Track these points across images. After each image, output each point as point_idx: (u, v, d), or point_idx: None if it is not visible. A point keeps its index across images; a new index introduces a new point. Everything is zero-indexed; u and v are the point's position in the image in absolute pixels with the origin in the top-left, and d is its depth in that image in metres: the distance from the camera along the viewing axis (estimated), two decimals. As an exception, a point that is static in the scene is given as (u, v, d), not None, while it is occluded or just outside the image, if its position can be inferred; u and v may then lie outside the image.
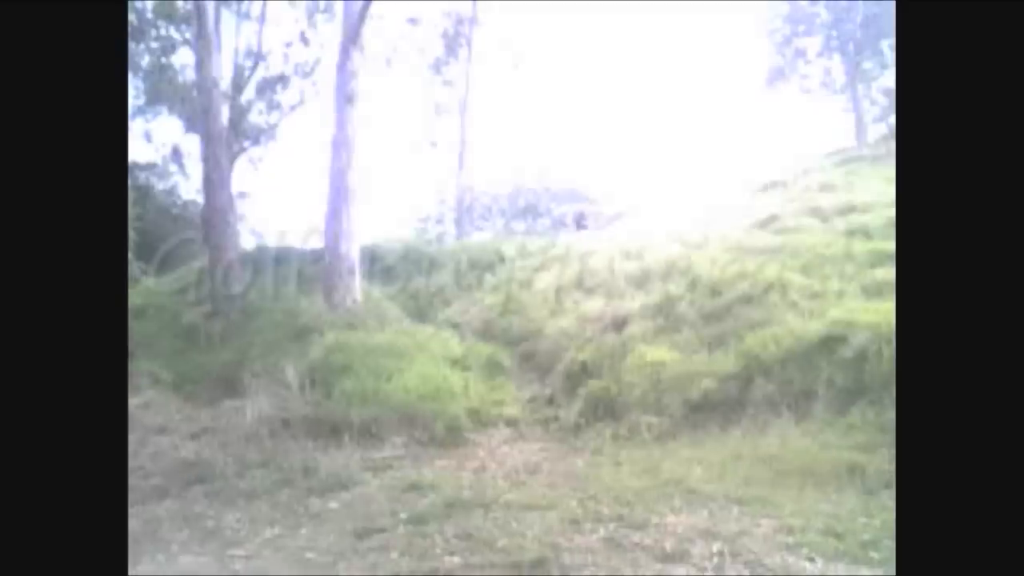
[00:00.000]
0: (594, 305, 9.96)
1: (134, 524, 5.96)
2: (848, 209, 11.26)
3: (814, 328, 7.53)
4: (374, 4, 12.48)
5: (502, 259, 13.63)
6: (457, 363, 9.18)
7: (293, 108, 20.73)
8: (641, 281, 10.40)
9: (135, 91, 19.42)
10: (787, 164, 17.48)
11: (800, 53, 25.30)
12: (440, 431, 7.44)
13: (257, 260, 13.46)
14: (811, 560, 4.63)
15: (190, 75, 17.46)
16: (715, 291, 9.18)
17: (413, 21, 22.61)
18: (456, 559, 4.98)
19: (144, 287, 10.94)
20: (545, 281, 11.75)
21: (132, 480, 6.85)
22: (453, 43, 23.14)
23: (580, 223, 17.89)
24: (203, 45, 12.96)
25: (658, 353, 8.11)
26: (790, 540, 4.88)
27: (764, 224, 12.37)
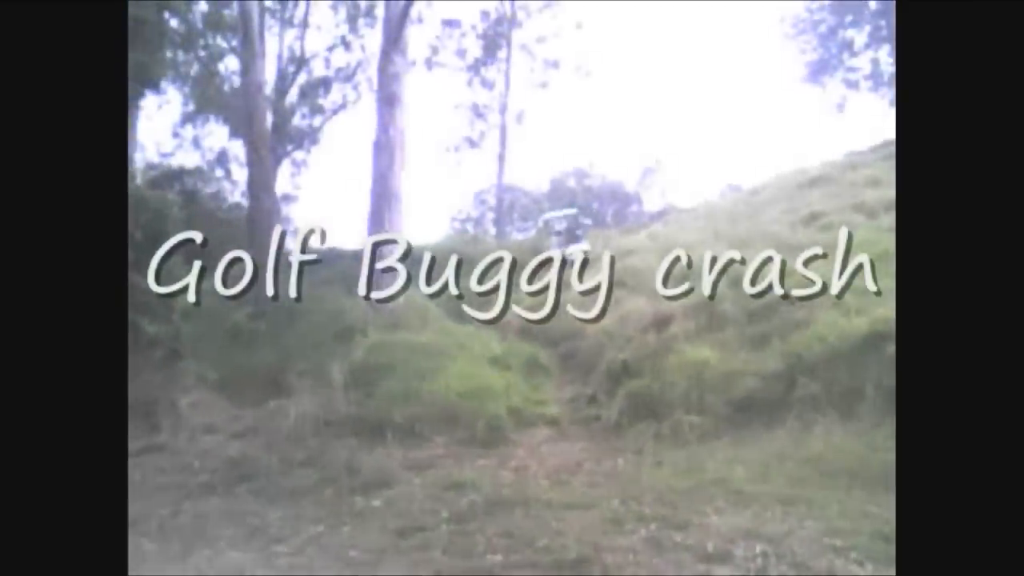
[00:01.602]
0: (636, 304, 9.86)
1: (183, 520, 6.15)
2: (895, 204, 10.97)
3: (859, 326, 7.35)
4: (413, 7, 12.57)
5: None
6: (498, 362, 9.18)
7: (335, 111, 21.07)
8: (683, 280, 10.26)
9: (183, 99, 19.91)
10: (833, 159, 17.10)
11: (846, 45, 24.71)
12: (481, 430, 7.46)
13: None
14: (859, 564, 4.55)
15: (236, 82, 17.83)
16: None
17: (452, 23, 22.73)
18: (498, 558, 5.01)
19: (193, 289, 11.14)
20: (586, 281, 11.68)
21: (180, 477, 7.05)
22: (492, 44, 23.18)
23: (572, 234, 15.50)
24: (248, 51, 13.21)
25: (700, 352, 8.02)
26: (838, 543, 4.79)
27: (809, 221, 12.13)
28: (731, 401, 7.30)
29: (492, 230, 23.07)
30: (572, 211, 17.47)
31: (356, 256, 12.53)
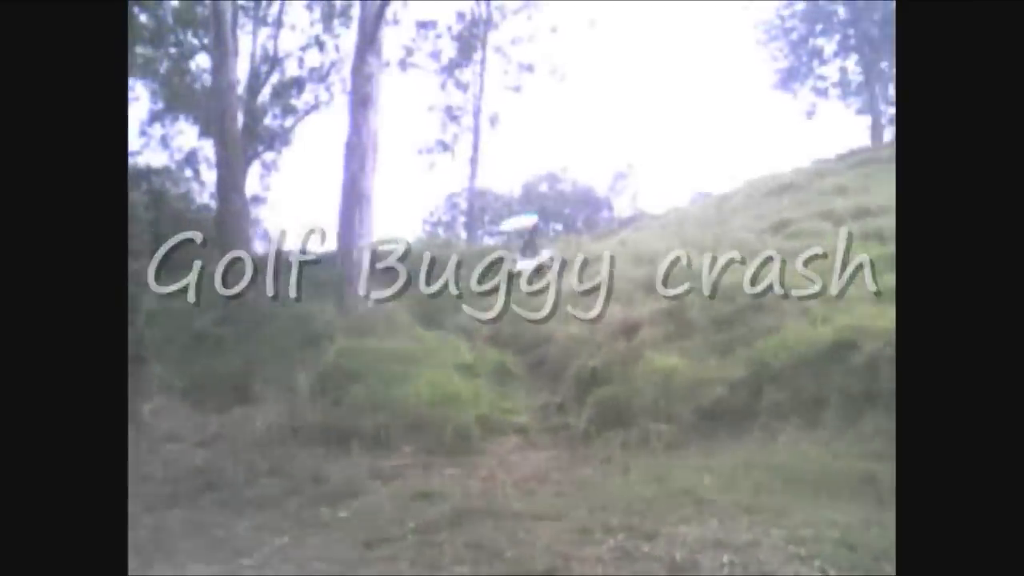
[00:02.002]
0: (606, 311, 9.89)
1: (143, 533, 5.99)
2: (862, 213, 11.14)
3: (825, 334, 7.46)
4: (389, 8, 12.50)
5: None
6: (467, 370, 9.17)
7: (307, 112, 20.88)
8: (652, 287, 10.32)
9: (152, 96, 19.58)
10: (800, 166, 17.34)
11: (816, 53, 25.10)
12: (450, 439, 7.43)
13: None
14: (823, 572, 4.58)
15: (207, 80, 17.58)
16: (727, 297, 9.09)
17: (427, 25, 22.67)
18: (465, 569, 4.97)
19: (158, 291, 10.97)
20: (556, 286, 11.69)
21: (142, 487, 6.87)
22: (467, 46, 23.16)
23: (532, 243, 14.15)
24: (220, 50, 13.05)
25: (668, 360, 8.07)
26: (802, 551, 4.82)
27: (777, 228, 12.28)
28: (698, 409, 7.35)
29: (463, 234, 23.04)
30: (531, 218, 16.14)
31: (326, 259, 12.51)
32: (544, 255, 13.32)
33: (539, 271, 11.91)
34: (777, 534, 5.12)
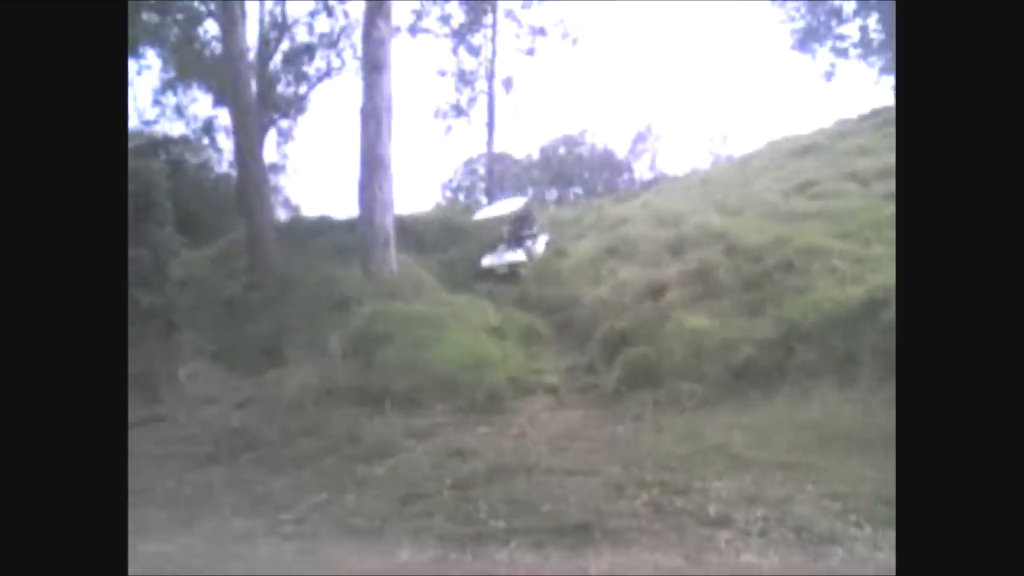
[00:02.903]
0: (631, 273, 9.90)
1: (188, 490, 6.17)
2: (887, 173, 10.97)
3: (855, 294, 7.41)
4: (400, -29, 12.36)
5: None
6: (495, 332, 9.22)
7: (320, 78, 20.76)
8: (677, 248, 10.30)
9: (163, 64, 19.52)
10: (824, 127, 17.09)
11: (834, 12, 24.50)
12: (481, 399, 7.51)
13: (293, 231, 13.58)
14: (859, 526, 4.61)
15: (217, 48, 17.49)
16: (754, 257, 9.07)
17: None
18: (501, 523, 5.05)
19: (185, 259, 11.10)
20: (580, 250, 11.70)
21: (183, 447, 7.07)
22: (477, 9, 22.83)
23: (520, 234, 12.52)
24: (227, 16, 12.97)
25: (697, 320, 8.06)
26: (837, 506, 4.86)
27: (801, 189, 12.17)
28: (729, 368, 7.35)
29: (483, 199, 22.98)
30: (519, 201, 13.97)
31: (348, 225, 12.54)
32: (534, 244, 12.30)
33: (514, 268, 11.48)
34: (811, 489, 5.15)
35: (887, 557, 4.18)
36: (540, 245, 12.33)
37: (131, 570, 4.55)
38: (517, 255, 11.81)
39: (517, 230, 12.54)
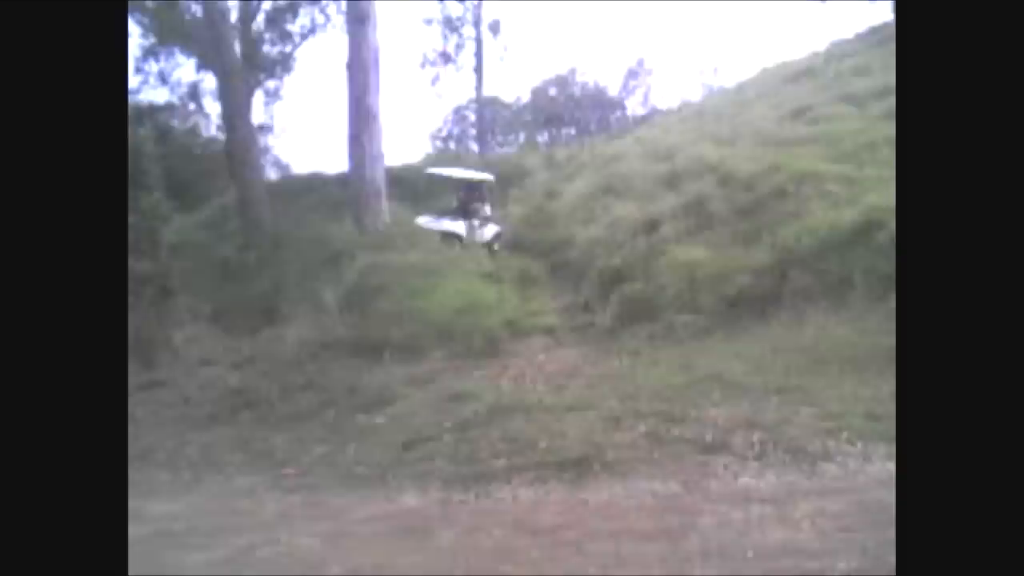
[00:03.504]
0: (625, 209, 9.83)
1: (190, 450, 6.25)
2: (885, 92, 10.76)
3: (849, 216, 7.36)
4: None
5: (527, 172, 13.46)
6: (490, 277, 9.21)
7: (305, 36, 20.31)
8: (671, 182, 10.21)
9: (143, 30, 19.11)
10: (817, 50, 16.75)
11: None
12: (478, 343, 7.53)
13: (285, 190, 13.50)
14: (851, 443, 4.66)
15: (198, 11, 17.08)
16: (747, 186, 8.98)
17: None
18: (502, 462, 5.11)
19: (177, 225, 11.07)
20: (573, 190, 11.61)
21: (185, 409, 7.14)
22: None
23: (468, 207, 11.80)
24: (205, -25, 12.68)
25: (692, 252, 8.03)
26: (830, 426, 4.91)
27: (795, 115, 12.00)
28: (724, 298, 7.35)
29: (474, 146, 22.73)
30: (481, 176, 12.84)
31: (339, 181, 12.45)
32: (480, 226, 11.45)
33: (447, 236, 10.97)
34: (806, 412, 5.20)
35: (877, 469, 4.23)
36: (488, 231, 11.50)
37: (141, 530, 4.68)
38: (455, 226, 11.39)
39: (466, 203, 11.98)
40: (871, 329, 6.02)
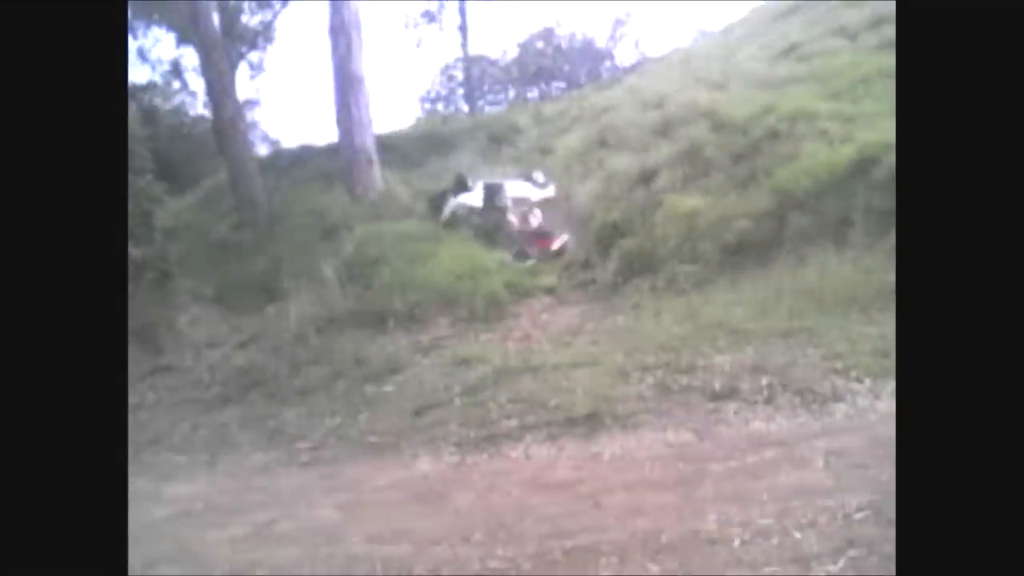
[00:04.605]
0: (620, 162, 9.72)
1: (203, 432, 6.31)
2: (878, 21, 10.52)
3: (846, 154, 7.27)
4: None
5: (518, 130, 13.29)
6: (487, 240, 9.17)
7: (284, 4, 19.93)
8: (664, 130, 10.08)
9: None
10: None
11: None
12: (481, 307, 7.52)
13: (275, 165, 13.37)
14: (859, 381, 4.69)
15: (171, -18, 16.70)
16: (741, 130, 8.86)
17: None
18: (512, 422, 5.16)
19: (171, 207, 10.99)
20: (566, 145, 11.48)
21: (194, 392, 7.19)
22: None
23: (461, 182, 10.21)
24: (179, -52, 12.37)
25: (689, 201, 7.96)
26: (838, 365, 4.93)
27: (787, 53, 11.78)
28: (724, 246, 7.30)
29: (464, 106, 22.43)
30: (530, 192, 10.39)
31: (329, 151, 12.31)
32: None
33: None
34: (813, 353, 5.22)
35: (887, 405, 4.25)
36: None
37: (161, 511, 4.75)
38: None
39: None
40: (873, 267, 6.00)
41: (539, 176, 10.51)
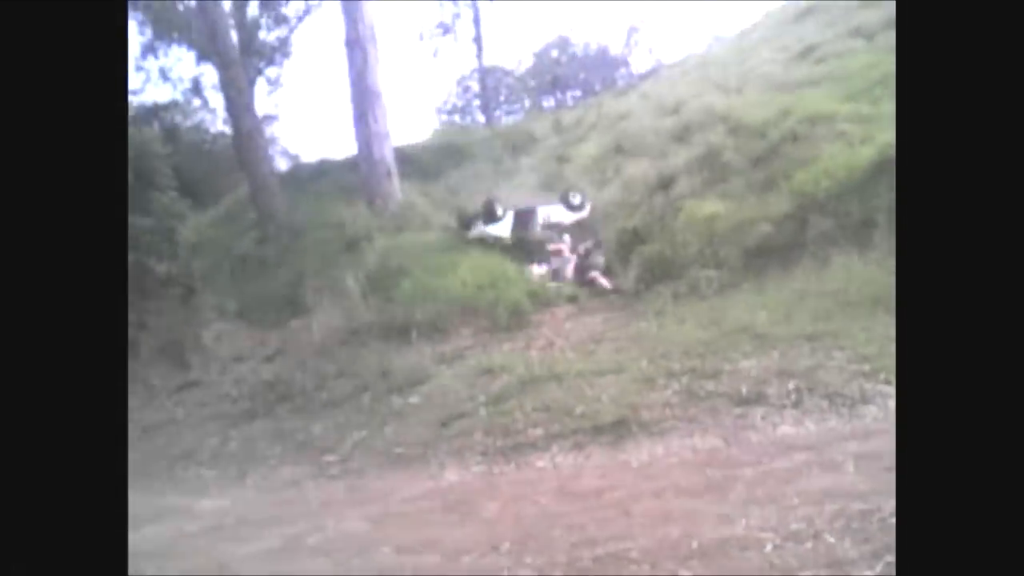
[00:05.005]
0: (638, 168, 9.72)
1: (232, 445, 6.37)
2: (894, 22, 10.50)
3: (867, 155, 7.21)
4: None
5: (535, 138, 13.33)
6: (509, 250, 9.17)
7: (300, 19, 20.17)
8: (682, 136, 10.07)
9: (139, 26, 19.04)
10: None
11: None
12: (503, 316, 7.53)
13: (296, 179, 13.50)
14: (888, 383, 4.63)
15: (191, 3, 16.98)
16: (759, 134, 8.83)
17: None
18: (539, 431, 5.16)
19: (193, 223, 11.14)
20: (584, 153, 11.49)
21: (222, 407, 7.26)
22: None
23: (490, 210, 9.42)
24: (197, -33, 12.57)
25: (709, 206, 7.94)
26: (866, 368, 4.87)
27: (804, 55, 11.74)
28: (746, 250, 7.27)
29: (481, 117, 22.53)
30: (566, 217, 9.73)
31: (348, 164, 12.41)
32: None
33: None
34: (839, 356, 5.16)
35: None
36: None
37: (192, 526, 4.79)
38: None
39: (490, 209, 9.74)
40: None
41: (575, 197, 9.72)
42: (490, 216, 9.42)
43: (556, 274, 8.60)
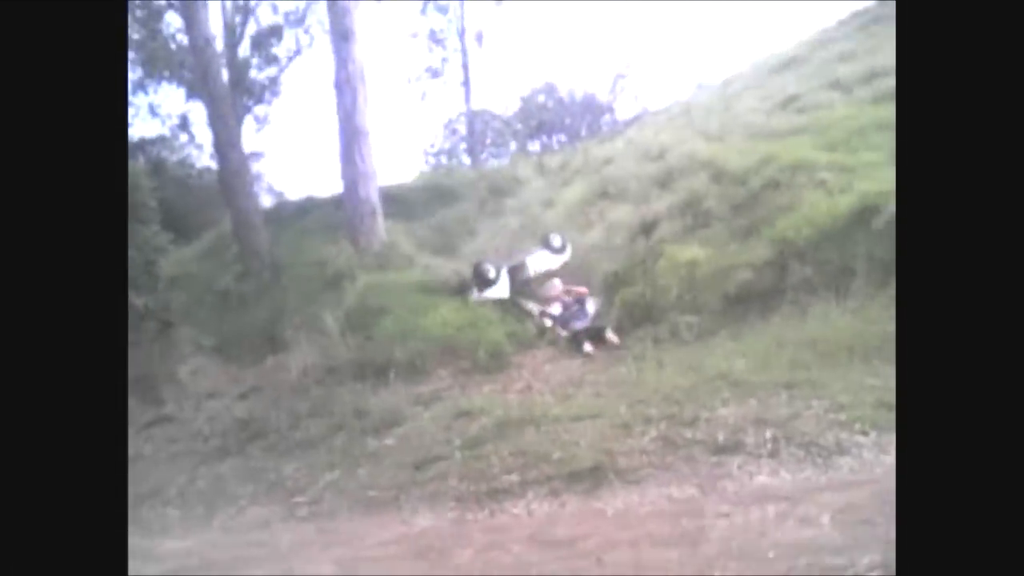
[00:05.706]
0: (620, 213, 9.80)
1: (201, 484, 6.23)
2: (871, 76, 10.77)
3: (846, 203, 7.32)
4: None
5: (520, 181, 13.42)
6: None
7: (291, 59, 20.40)
8: (665, 181, 10.18)
9: (130, 63, 19.16)
10: (802, 39, 16.73)
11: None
12: (483, 358, 7.48)
13: (280, 215, 13.49)
14: (864, 434, 4.63)
15: (183, 40, 17.13)
16: (740, 181, 8.95)
17: (396, -52, 21.78)
18: (514, 477, 5.09)
19: (175, 257, 11.06)
20: (568, 196, 11.57)
21: (193, 444, 7.12)
22: (441, -35, 22.32)
23: (482, 275, 8.96)
24: (189, 6, 12.67)
25: (690, 252, 7.99)
26: (842, 417, 4.87)
27: (784, 105, 11.98)
28: (725, 296, 7.31)
29: (467, 159, 22.73)
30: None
31: (334, 202, 12.41)
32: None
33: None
34: (817, 405, 5.15)
35: (893, 459, 4.18)
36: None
37: (155, 568, 4.65)
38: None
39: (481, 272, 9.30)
40: (875, 317, 5.98)
41: (555, 239, 9.57)
42: (484, 282, 9.10)
43: (565, 322, 8.34)
